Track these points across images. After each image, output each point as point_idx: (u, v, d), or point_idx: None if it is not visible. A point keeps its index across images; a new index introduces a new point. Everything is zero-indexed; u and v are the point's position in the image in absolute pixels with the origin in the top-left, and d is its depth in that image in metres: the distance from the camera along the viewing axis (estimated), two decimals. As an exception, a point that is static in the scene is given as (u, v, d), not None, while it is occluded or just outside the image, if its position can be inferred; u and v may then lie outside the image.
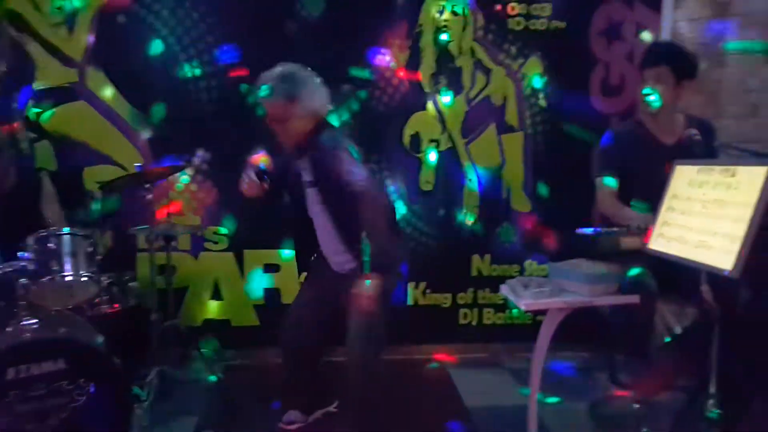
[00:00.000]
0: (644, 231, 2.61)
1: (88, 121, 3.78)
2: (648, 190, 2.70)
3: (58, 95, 3.76)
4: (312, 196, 2.85)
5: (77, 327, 2.96)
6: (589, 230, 2.73)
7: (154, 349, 3.32)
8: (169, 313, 3.53)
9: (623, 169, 2.99)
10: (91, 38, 3.73)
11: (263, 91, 2.69)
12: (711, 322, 2.31)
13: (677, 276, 2.58)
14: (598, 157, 3.13)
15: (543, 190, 4.03)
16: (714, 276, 2.16)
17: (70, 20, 3.71)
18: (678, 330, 2.89)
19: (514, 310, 4.03)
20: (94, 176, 3.78)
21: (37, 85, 3.74)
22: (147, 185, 3.24)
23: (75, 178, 3.79)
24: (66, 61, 3.75)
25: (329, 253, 2.93)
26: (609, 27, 3.95)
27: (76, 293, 3.06)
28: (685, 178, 2.39)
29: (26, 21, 3.70)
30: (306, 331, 2.94)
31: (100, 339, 3.00)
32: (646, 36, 3.92)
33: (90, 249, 3.09)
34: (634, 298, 2.58)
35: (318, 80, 2.76)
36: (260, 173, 2.78)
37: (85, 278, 3.03)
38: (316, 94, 2.73)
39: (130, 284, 3.52)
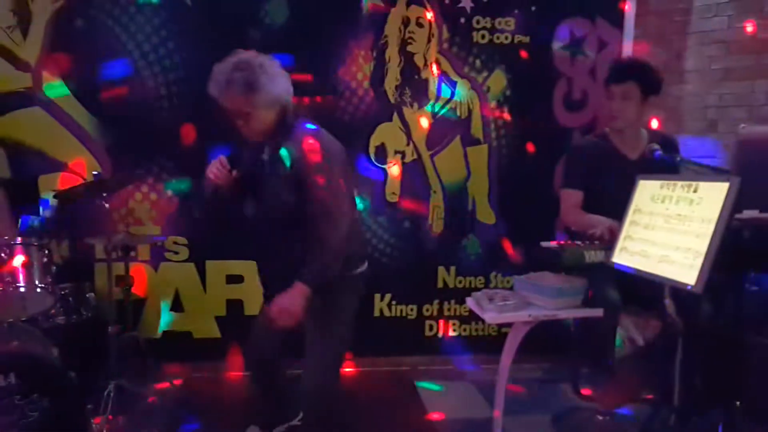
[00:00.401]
0: (608, 242, 2.62)
1: (44, 127, 3.65)
2: (612, 204, 2.71)
3: (12, 101, 3.62)
4: (273, 188, 2.55)
5: (31, 340, 2.88)
6: (552, 243, 2.73)
7: (111, 361, 3.20)
8: (128, 325, 3.44)
9: (587, 182, 3.01)
10: (47, 42, 3.60)
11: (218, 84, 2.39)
12: (674, 334, 2.33)
13: (640, 288, 2.59)
14: (563, 169, 3.14)
15: (508, 202, 4.03)
16: (677, 290, 2.18)
17: (24, 24, 3.58)
18: (641, 342, 2.91)
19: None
20: (49, 184, 3.64)
21: None
22: (104, 194, 3.14)
23: (29, 186, 3.65)
24: (20, 65, 3.61)
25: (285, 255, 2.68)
26: (571, 42, 3.98)
27: (30, 305, 2.93)
28: (648, 192, 2.41)
29: None
30: (267, 343, 2.84)
31: (54, 352, 2.91)
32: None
33: (45, 259, 2.98)
34: (597, 312, 2.59)
35: (277, 65, 2.46)
36: (230, 158, 2.53)
37: (40, 289, 2.92)
38: (276, 80, 2.42)
39: (87, 295, 3.41)
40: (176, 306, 3.88)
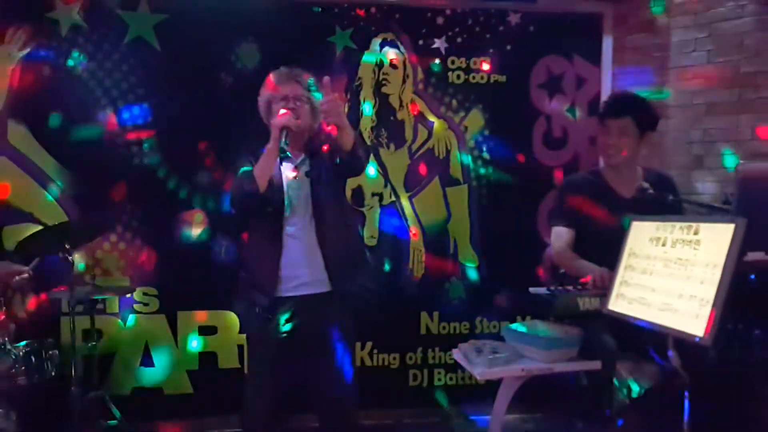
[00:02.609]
0: (601, 289, 2.38)
1: (8, 177, 3.35)
2: (603, 244, 2.48)
3: None
4: (302, 197, 2.47)
5: None
6: (542, 289, 2.47)
7: (75, 424, 2.88)
8: (93, 383, 3.13)
9: (578, 221, 2.77)
10: (12, 89, 3.33)
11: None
12: (679, 387, 2.05)
13: (636, 336, 2.33)
14: (553, 205, 2.90)
15: (491, 243, 3.77)
16: (681, 341, 1.91)
17: (-12, 70, 3.31)
18: (641, 391, 2.62)
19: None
20: (14, 236, 3.29)
21: None
22: (67, 246, 2.84)
23: (-3, 239, 3.33)
24: None
25: (302, 268, 2.44)
26: (549, 80, 3.78)
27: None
28: (643, 234, 2.15)
29: None
30: (267, 398, 2.48)
31: (12, 417, 2.59)
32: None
33: (1, 317, 2.66)
34: (595, 364, 2.30)
35: None
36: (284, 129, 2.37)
37: None
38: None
39: (50, 352, 3.06)
40: (146, 360, 3.53)
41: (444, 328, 3.77)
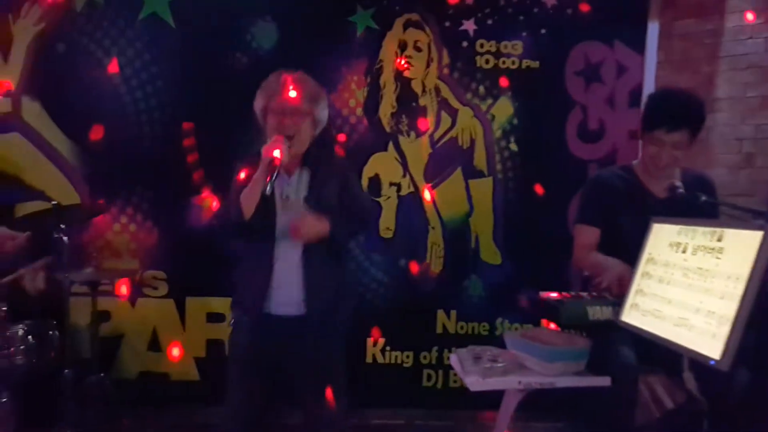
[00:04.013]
0: (615, 295, 2.12)
1: (22, 154, 3.32)
2: (631, 247, 2.21)
3: None
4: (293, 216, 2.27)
5: None
6: (552, 294, 2.22)
7: (67, 408, 2.82)
8: (95, 366, 3.05)
9: (605, 219, 2.50)
10: (27, 65, 3.28)
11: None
12: (698, 413, 1.79)
13: (661, 349, 2.06)
14: (579, 202, 2.64)
15: (515, 240, 3.52)
16: (698, 362, 1.65)
17: (5, 47, 3.27)
18: (670, 407, 2.32)
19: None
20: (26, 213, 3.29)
21: None
22: (63, 225, 2.77)
23: (5, 215, 3.28)
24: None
25: (283, 288, 2.30)
26: (586, 67, 3.49)
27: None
28: (663, 238, 1.89)
29: None
30: (250, 394, 2.35)
31: (3, 396, 2.56)
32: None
33: None
34: (604, 380, 2.05)
35: None
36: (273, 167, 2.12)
37: None
38: (325, 105, 2.37)
39: (50, 333, 3.00)
40: (154, 345, 3.45)
41: (462, 327, 3.56)
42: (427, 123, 3.45)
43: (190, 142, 3.36)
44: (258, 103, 2.31)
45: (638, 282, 1.94)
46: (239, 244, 2.36)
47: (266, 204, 2.17)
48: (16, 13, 3.25)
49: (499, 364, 2.08)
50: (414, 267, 3.50)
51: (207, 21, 3.30)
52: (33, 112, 3.31)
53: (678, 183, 2.32)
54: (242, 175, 2.23)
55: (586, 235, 2.56)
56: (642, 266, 1.95)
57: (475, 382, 2.04)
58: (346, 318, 2.38)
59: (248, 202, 2.16)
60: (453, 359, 2.29)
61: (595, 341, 2.18)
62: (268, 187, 2.05)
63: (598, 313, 2.07)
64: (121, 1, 3.29)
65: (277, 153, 2.08)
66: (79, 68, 3.30)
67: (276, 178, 2.08)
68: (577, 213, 2.67)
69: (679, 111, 2.38)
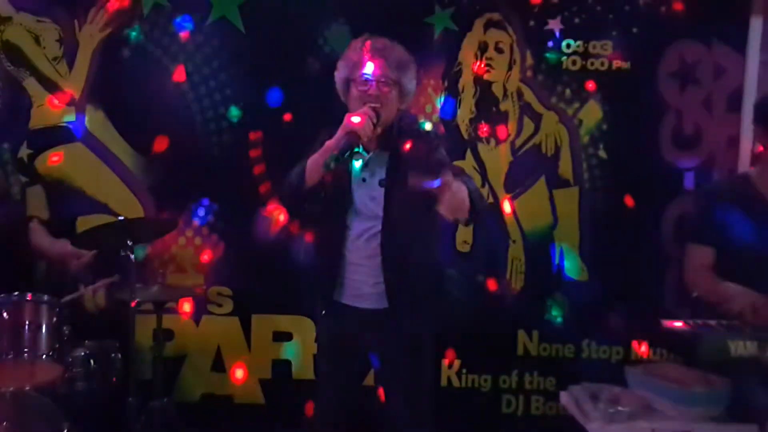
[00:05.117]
0: (752, 324, 1.81)
1: (85, 165, 3.19)
2: (752, 267, 1.99)
3: (54, 136, 3.18)
4: (369, 202, 2.10)
5: (35, 414, 2.34)
6: (678, 323, 1.92)
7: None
8: (158, 389, 2.87)
9: (722, 238, 2.21)
10: (91, 73, 3.15)
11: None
12: None
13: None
14: (690, 219, 2.38)
15: (604, 255, 3.23)
16: None
17: (70, 53, 3.15)
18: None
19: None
20: (87, 227, 3.08)
21: (33, 125, 3.17)
22: (129, 242, 2.58)
23: (67, 228, 3.13)
24: (64, 98, 3.16)
25: (361, 280, 2.15)
26: (682, 68, 3.20)
27: (35, 373, 2.38)
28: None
29: (25, 54, 3.15)
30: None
31: (64, 427, 2.35)
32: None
33: (54, 319, 2.43)
34: (751, 429, 1.73)
35: None
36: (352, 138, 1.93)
37: (45, 357, 2.37)
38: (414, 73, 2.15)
39: (112, 355, 2.82)
40: (218, 365, 3.26)
41: (545, 349, 3.28)
42: (508, 129, 3.21)
43: (257, 153, 3.17)
44: (339, 74, 2.12)
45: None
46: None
47: (339, 180, 2.00)
48: (82, 19, 3.12)
49: (624, 409, 1.78)
50: (492, 283, 3.24)
51: (278, 25, 3.13)
52: (97, 121, 3.18)
53: None
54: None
55: (700, 256, 2.29)
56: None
57: (599, 429, 1.74)
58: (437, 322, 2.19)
59: (314, 166, 1.98)
60: (565, 398, 2.00)
61: (734, 381, 1.86)
62: (332, 162, 1.86)
63: (741, 348, 1.77)
64: (189, 5, 3.12)
65: (358, 120, 1.88)
66: (145, 75, 3.15)
67: (350, 152, 1.89)
68: (688, 231, 2.41)
69: None
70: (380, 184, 2.05)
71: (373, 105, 1.98)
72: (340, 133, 1.92)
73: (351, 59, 2.08)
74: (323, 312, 2.22)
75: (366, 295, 2.10)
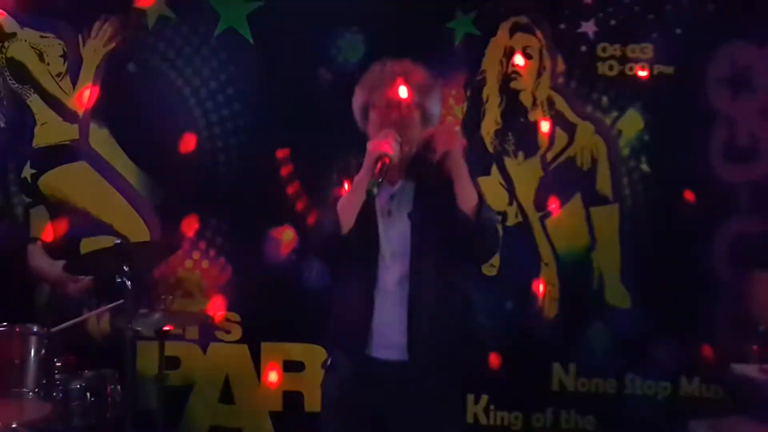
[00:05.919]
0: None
1: (89, 184, 3.09)
2: None
3: (57, 155, 3.09)
4: (395, 236, 1.94)
5: None
6: (752, 368, 1.62)
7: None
8: (160, 421, 2.63)
9: None
10: (95, 89, 3.05)
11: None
12: None
13: None
14: (759, 244, 2.09)
15: (648, 280, 2.97)
16: None
17: (74, 69, 3.05)
18: None
19: None
20: (92, 248, 2.98)
21: (36, 143, 3.09)
22: (126, 267, 2.39)
23: (71, 249, 3.01)
24: (67, 115, 3.07)
25: (384, 326, 1.95)
26: (733, 73, 2.97)
27: (24, 409, 2.23)
28: None
29: (29, 71, 3.07)
30: None
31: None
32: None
33: (43, 351, 2.28)
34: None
35: None
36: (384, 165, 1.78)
37: (32, 395, 2.25)
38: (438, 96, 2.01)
39: (110, 387, 2.63)
40: (226, 396, 3.08)
41: (583, 384, 3.01)
42: (538, 141, 3.00)
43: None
44: (357, 100, 1.95)
45: None
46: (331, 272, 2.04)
47: (366, 218, 1.83)
48: (86, 33, 3.04)
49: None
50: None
51: (288, 35, 3.01)
52: (101, 138, 3.09)
53: None
54: (345, 186, 1.89)
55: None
56: None
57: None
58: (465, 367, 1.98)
59: (349, 209, 1.81)
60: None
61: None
62: (375, 188, 1.69)
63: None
64: (196, 16, 3.02)
65: (385, 146, 1.73)
66: (151, 90, 3.04)
67: (384, 180, 1.73)
68: (754, 256, 2.12)
69: None
70: (409, 216, 1.90)
71: (393, 128, 1.82)
72: (368, 161, 1.77)
73: (371, 82, 1.95)
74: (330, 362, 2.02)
75: (393, 345, 1.90)
